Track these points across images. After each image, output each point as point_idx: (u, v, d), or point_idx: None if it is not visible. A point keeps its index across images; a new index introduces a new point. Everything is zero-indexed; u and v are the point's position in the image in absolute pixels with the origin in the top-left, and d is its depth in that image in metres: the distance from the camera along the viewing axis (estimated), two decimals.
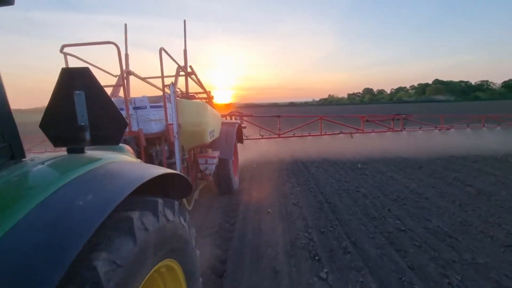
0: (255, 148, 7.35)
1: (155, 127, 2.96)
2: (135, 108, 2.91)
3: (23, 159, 0.93)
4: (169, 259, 1.26)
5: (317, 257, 2.67)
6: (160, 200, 1.14)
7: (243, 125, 6.68)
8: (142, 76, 3.97)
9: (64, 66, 2.89)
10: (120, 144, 1.40)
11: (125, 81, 3.02)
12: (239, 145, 5.73)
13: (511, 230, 3.05)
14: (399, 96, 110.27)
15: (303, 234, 3.14)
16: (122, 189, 0.89)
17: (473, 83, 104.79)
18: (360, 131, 7.87)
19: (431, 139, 7.86)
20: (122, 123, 1.12)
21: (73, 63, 2.94)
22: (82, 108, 1.03)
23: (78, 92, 1.02)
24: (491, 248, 2.77)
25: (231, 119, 6.88)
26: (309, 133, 7.82)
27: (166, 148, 3.21)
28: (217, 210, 4.02)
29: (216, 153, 4.02)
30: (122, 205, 0.86)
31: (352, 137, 7.79)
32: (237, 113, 7.17)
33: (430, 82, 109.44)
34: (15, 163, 0.88)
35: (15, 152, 0.89)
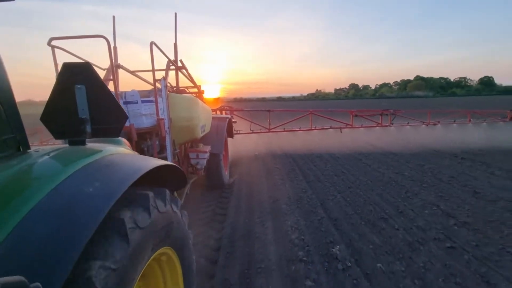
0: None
1: (146, 122, 2.98)
2: (126, 102, 2.91)
3: (28, 150, 0.97)
4: (164, 247, 1.30)
5: (282, 175, 5.45)
6: (151, 194, 1.15)
7: (233, 120, 6.72)
8: (131, 69, 3.95)
9: (51, 59, 2.86)
10: (118, 138, 1.44)
11: (114, 75, 3.01)
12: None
13: (395, 170, 5.50)
14: (381, 92, 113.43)
15: (275, 167, 6.12)
16: (125, 179, 0.93)
17: (452, 80, 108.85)
18: (349, 126, 8.05)
19: (418, 134, 8.11)
20: (122, 116, 1.16)
21: (61, 56, 2.91)
22: (83, 102, 1.07)
23: (79, 86, 1.06)
24: (371, 173, 5.39)
25: (221, 113, 6.90)
26: (300, 128, 7.94)
27: (157, 142, 3.24)
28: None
29: (207, 148, 4.07)
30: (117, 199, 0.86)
31: (341, 132, 7.96)
32: (227, 108, 7.19)
33: (412, 78, 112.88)
34: (22, 154, 0.92)
35: (21, 143, 0.93)
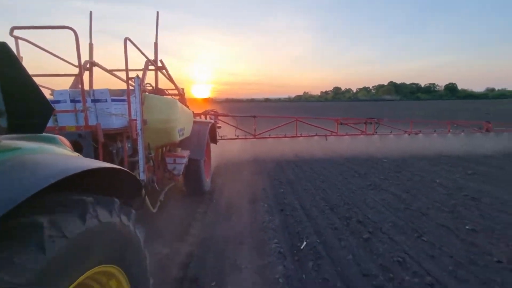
0: None
1: (116, 122, 2.76)
2: (94, 100, 2.69)
3: None
4: (107, 265, 1.12)
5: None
6: (89, 199, 1.00)
7: (218, 125, 6.52)
8: (110, 68, 3.72)
9: (15, 51, 2.61)
10: (53, 135, 1.21)
11: (83, 71, 2.78)
12: None
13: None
14: (356, 96, 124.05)
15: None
16: (29, 185, 0.74)
17: (422, 86, 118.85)
18: (335, 134, 7.99)
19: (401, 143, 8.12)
20: (46, 109, 0.96)
21: (26, 49, 2.67)
22: None
23: None
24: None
25: (205, 118, 6.70)
26: (285, 134, 7.82)
27: (129, 145, 3.01)
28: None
29: (186, 153, 3.85)
30: (33, 207, 0.78)
31: (326, 139, 7.89)
32: (212, 112, 7.00)
33: (386, 83, 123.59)
34: None
35: None
